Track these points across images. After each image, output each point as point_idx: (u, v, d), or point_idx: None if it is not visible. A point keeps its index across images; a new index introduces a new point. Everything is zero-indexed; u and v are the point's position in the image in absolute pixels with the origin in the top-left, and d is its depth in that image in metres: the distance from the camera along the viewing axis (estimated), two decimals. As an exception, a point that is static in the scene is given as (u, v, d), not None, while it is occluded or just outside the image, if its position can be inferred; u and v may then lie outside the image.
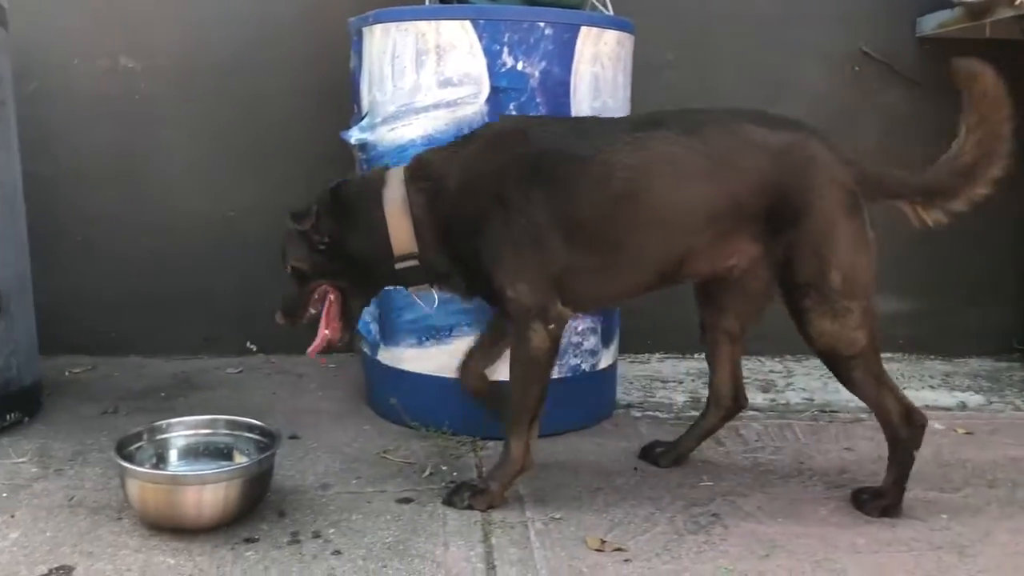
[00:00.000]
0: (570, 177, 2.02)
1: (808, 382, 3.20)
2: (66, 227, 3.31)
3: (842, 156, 2.06)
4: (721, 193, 2.01)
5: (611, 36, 2.51)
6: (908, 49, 3.43)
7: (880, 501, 2.11)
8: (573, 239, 2.02)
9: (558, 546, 1.92)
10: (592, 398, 2.74)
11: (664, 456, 2.39)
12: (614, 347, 2.78)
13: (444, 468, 2.35)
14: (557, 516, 2.06)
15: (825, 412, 2.87)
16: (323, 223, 2.06)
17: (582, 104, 2.47)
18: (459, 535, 1.96)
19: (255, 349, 3.42)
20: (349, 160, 2.71)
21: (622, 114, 2.58)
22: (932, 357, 3.61)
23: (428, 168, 2.09)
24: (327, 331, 2.15)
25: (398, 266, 2.09)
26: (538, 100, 2.42)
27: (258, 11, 3.31)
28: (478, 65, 2.40)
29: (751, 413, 2.82)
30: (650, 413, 2.86)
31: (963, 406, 2.99)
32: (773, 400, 3.00)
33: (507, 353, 2.14)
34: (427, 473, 2.31)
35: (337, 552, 1.87)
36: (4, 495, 2.13)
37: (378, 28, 2.51)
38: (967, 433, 2.70)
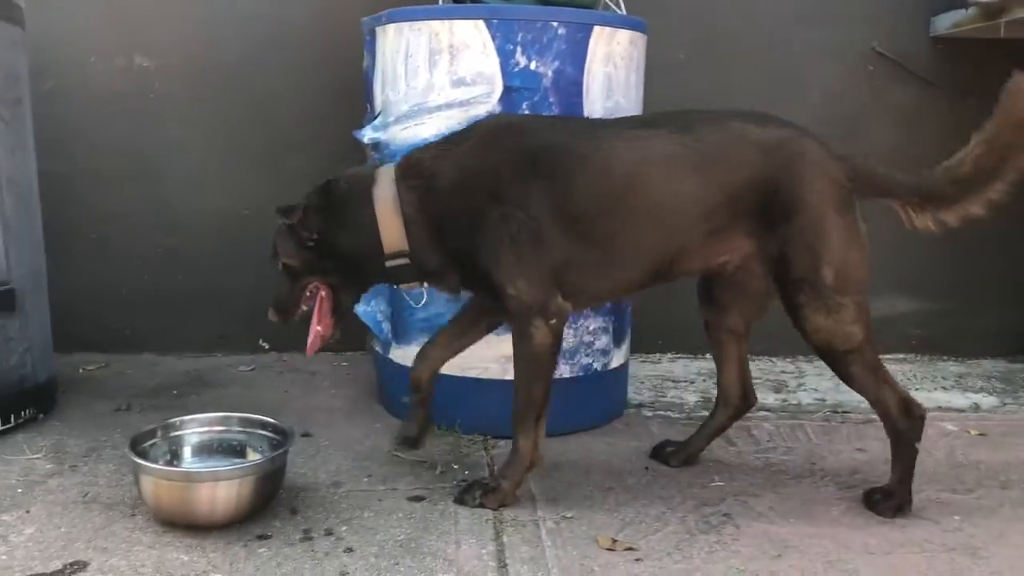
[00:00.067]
0: (568, 171, 2.02)
1: (820, 382, 3.19)
2: (81, 225, 3.33)
3: (833, 152, 2.07)
4: (714, 188, 2.02)
5: (624, 36, 2.51)
6: (922, 49, 3.41)
7: (891, 501, 2.11)
8: (570, 234, 2.02)
9: (569, 545, 1.92)
10: (603, 397, 2.74)
11: (675, 456, 2.39)
12: (626, 347, 2.78)
13: (456, 466, 2.35)
14: (569, 515, 2.07)
15: (837, 413, 2.87)
16: (312, 220, 2.06)
17: (595, 104, 2.47)
18: (471, 533, 1.97)
19: (267, 347, 3.44)
20: (362, 159, 2.71)
21: (635, 114, 2.59)
22: (945, 358, 3.60)
23: (419, 166, 2.09)
24: (319, 327, 2.15)
25: (388, 264, 2.09)
26: (551, 100, 2.42)
27: (272, 11, 3.32)
28: (491, 64, 2.40)
29: (762, 413, 2.82)
30: (661, 413, 2.86)
31: (976, 407, 2.98)
32: (785, 400, 3.00)
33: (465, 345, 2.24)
34: (439, 471, 2.32)
35: (349, 549, 1.88)
36: (19, 491, 2.15)
37: (391, 28, 2.51)
38: (980, 434, 2.69)
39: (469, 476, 2.26)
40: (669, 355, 3.54)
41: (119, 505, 2.08)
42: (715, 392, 2.41)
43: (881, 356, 3.58)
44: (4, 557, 1.82)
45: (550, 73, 2.41)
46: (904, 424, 2.10)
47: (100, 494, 2.14)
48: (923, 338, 3.60)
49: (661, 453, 2.42)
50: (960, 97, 3.27)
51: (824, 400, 2.99)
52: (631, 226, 2.05)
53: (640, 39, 2.60)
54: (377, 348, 2.80)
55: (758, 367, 3.33)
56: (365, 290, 2.25)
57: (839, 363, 2.08)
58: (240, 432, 2.23)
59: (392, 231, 2.06)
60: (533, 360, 2.05)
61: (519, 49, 2.39)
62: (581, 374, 2.60)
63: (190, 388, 3.01)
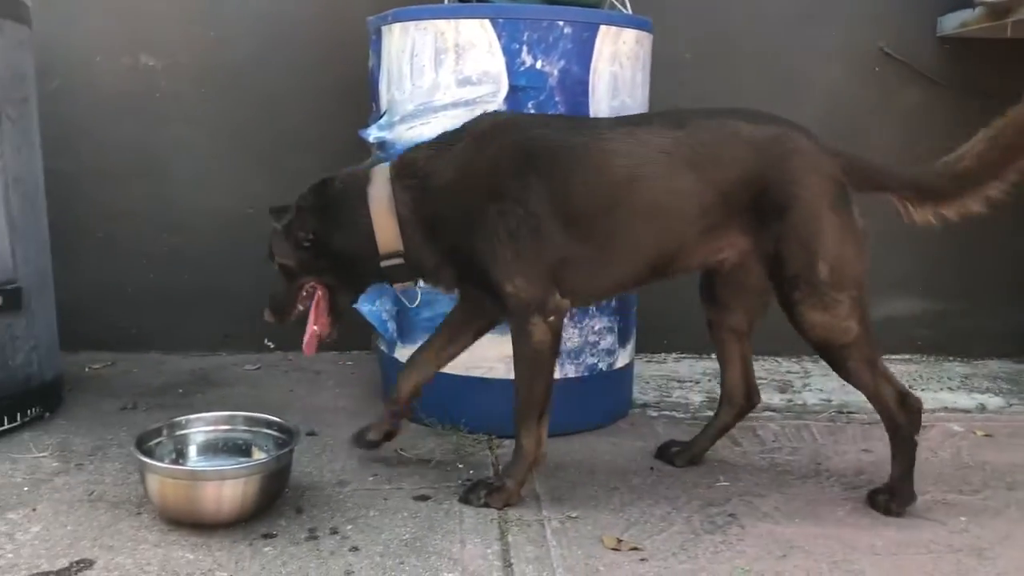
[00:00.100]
0: (565, 166, 2.03)
1: (825, 383, 3.19)
2: (87, 224, 3.34)
3: (826, 147, 2.07)
4: (708, 185, 2.02)
5: (630, 35, 2.51)
6: (929, 49, 3.41)
7: (896, 498, 2.11)
8: (567, 230, 2.02)
9: (575, 544, 1.92)
10: (608, 397, 2.74)
11: (680, 456, 2.39)
12: (631, 347, 2.78)
13: (460, 466, 2.35)
14: (573, 515, 2.07)
15: (843, 413, 2.86)
16: (307, 221, 2.06)
17: (601, 103, 2.47)
18: (476, 533, 1.97)
19: (273, 346, 3.44)
20: (367, 159, 2.71)
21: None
22: (951, 359, 3.59)
23: (414, 166, 2.09)
24: (316, 327, 2.16)
25: (383, 264, 2.09)
26: (557, 99, 2.42)
27: (278, 10, 3.33)
28: (497, 64, 2.40)
29: (768, 414, 2.82)
30: (666, 413, 2.86)
31: (982, 408, 2.97)
32: (790, 401, 2.99)
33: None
34: (440, 468, 2.32)
35: (355, 548, 1.88)
36: (26, 489, 2.16)
37: (397, 27, 2.51)
38: (986, 435, 2.69)
39: (474, 475, 2.27)
40: (674, 355, 3.54)
41: (125, 503, 2.08)
42: (720, 392, 2.41)
43: (887, 357, 3.58)
44: (11, 555, 1.83)
45: (556, 72, 2.41)
46: (902, 418, 2.10)
47: (106, 492, 2.14)
48: (929, 339, 3.59)
49: (666, 453, 2.42)
50: (967, 97, 3.27)
51: (830, 400, 2.99)
52: (628, 223, 2.05)
53: (646, 38, 2.60)
54: (382, 347, 2.80)
55: (763, 367, 3.32)
56: (362, 290, 2.26)
57: (836, 358, 2.08)
58: (246, 431, 2.24)
59: (387, 231, 2.06)
60: (533, 358, 2.06)
61: (525, 48, 2.39)
62: (586, 374, 2.60)
63: (196, 387, 3.02)
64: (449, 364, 2.39)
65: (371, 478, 2.26)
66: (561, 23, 2.40)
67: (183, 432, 2.20)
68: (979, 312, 3.59)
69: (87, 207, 3.32)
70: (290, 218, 2.06)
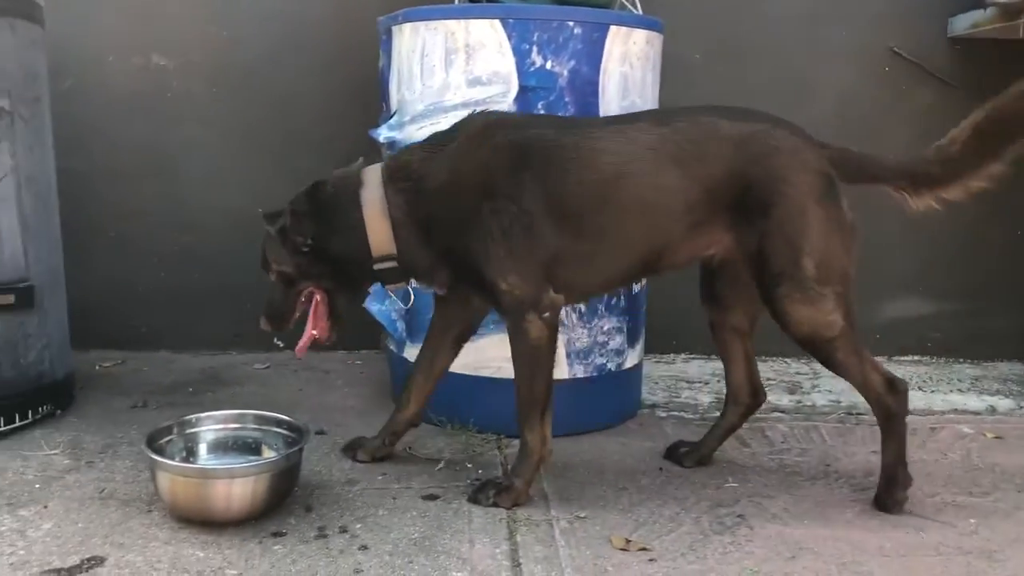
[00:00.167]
0: (556, 164, 2.04)
1: (834, 384, 3.18)
2: (98, 223, 3.36)
3: (812, 141, 2.08)
4: (692, 182, 2.03)
5: (640, 35, 2.51)
6: (940, 49, 3.39)
7: (897, 485, 2.11)
8: (559, 227, 2.04)
9: (583, 544, 1.92)
10: (617, 398, 2.74)
11: (688, 456, 2.39)
12: (640, 347, 2.78)
13: (469, 465, 2.36)
14: (582, 515, 2.07)
15: (851, 415, 2.86)
16: (305, 225, 2.07)
17: (611, 104, 2.47)
18: (484, 532, 1.97)
19: (282, 345, 3.45)
20: (378, 158, 2.72)
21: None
22: (961, 360, 3.58)
23: (407, 168, 2.10)
24: (314, 331, 2.16)
25: (377, 267, 2.10)
26: (567, 99, 2.42)
27: (289, 10, 3.34)
28: (507, 64, 2.40)
29: (777, 415, 2.82)
30: (675, 413, 2.86)
31: (992, 410, 2.96)
32: (799, 402, 2.99)
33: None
34: (449, 468, 2.32)
35: (364, 547, 1.89)
36: (37, 486, 2.17)
37: (407, 27, 2.52)
38: (996, 437, 2.68)
39: (483, 475, 2.27)
40: (683, 356, 3.54)
41: (135, 501, 2.09)
42: (725, 392, 2.41)
43: (896, 358, 3.59)
44: (22, 552, 1.84)
45: (566, 73, 2.42)
46: (892, 400, 2.10)
47: (117, 490, 2.15)
48: (939, 340, 3.58)
49: (675, 454, 2.42)
50: (978, 98, 3.24)
51: (839, 402, 2.98)
52: (617, 219, 2.07)
53: (656, 39, 2.60)
54: (391, 347, 2.81)
55: (772, 368, 3.32)
56: (359, 292, 2.26)
57: (822, 351, 2.08)
58: (255, 429, 2.24)
59: (380, 234, 2.07)
60: (531, 354, 2.07)
61: (535, 48, 2.40)
62: (595, 374, 2.60)
63: (206, 385, 3.03)
64: (459, 365, 2.40)
65: (380, 477, 2.27)
66: (571, 23, 2.40)
67: (193, 430, 2.21)
68: (989, 314, 3.57)
69: (99, 206, 3.34)
70: (285, 223, 2.06)
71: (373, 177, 2.10)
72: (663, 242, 2.09)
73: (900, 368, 3.44)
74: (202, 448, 2.21)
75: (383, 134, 2.58)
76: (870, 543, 1.96)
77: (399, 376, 2.80)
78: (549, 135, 2.06)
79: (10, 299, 2.48)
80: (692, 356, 3.53)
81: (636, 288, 2.66)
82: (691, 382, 3.21)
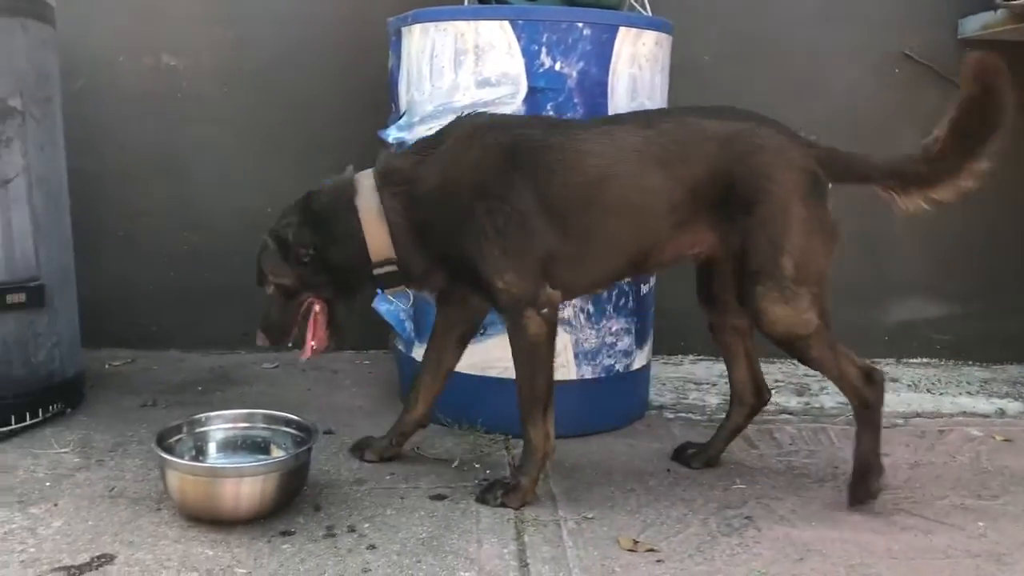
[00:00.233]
0: (545, 163, 2.05)
1: (843, 386, 3.18)
2: (109, 222, 3.37)
3: (799, 140, 2.09)
4: (676, 182, 2.05)
5: (649, 37, 2.51)
6: (950, 51, 3.38)
7: (871, 475, 2.11)
8: (551, 225, 2.05)
9: (591, 545, 1.93)
10: (625, 399, 2.74)
11: (696, 457, 2.39)
12: (648, 348, 2.78)
13: (477, 465, 2.36)
14: (590, 515, 2.07)
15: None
16: (305, 235, 2.07)
17: (619, 105, 2.47)
18: (492, 532, 1.98)
19: (291, 345, 3.45)
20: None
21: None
22: (970, 363, 3.57)
23: (400, 173, 2.11)
24: (313, 342, 2.15)
25: (376, 272, 2.10)
26: (575, 100, 2.43)
27: (299, 10, 3.35)
28: (516, 65, 2.41)
29: (784, 416, 2.82)
30: (683, 415, 2.85)
31: (1001, 413, 2.96)
32: (807, 404, 2.98)
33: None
34: (455, 464, 2.33)
35: (372, 547, 1.89)
36: (47, 484, 2.18)
37: (417, 28, 2.53)
38: (1006, 440, 2.67)
39: (490, 475, 2.27)
40: (691, 357, 3.54)
41: (145, 499, 2.10)
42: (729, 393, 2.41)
43: (906, 360, 3.58)
44: (33, 549, 1.85)
45: (575, 74, 2.42)
46: (869, 392, 2.11)
47: (126, 488, 2.16)
48: (948, 343, 3.57)
49: (682, 455, 2.42)
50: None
51: (847, 404, 2.95)
52: (603, 219, 2.08)
53: (665, 40, 2.60)
54: (400, 347, 2.81)
55: (781, 370, 3.31)
56: (356, 300, 2.25)
57: (797, 349, 2.09)
58: (264, 429, 2.25)
59: (378, 239, 2.08)
60: (530, 351, 2.08)
61: (544, 50, 2.40)
62: (603, 375, 2.60)
63: (215, 385, 3.04)
64: (466, 365, 2.41)
65: (388, 477, 2.27)
66: (580, 25, 2.40)
67: (203, 429, 2.22)
68: (998, 316, 3.56)
69: (109, 206, 3.35)
70: (286, 234, 2.06)
71: (366, 183, 2.11)
72: (649, 242, 2.11)
73: (909, 370, 3.44)
74: (211, 447, 2.22)
75: (392, 135, 2.59)
76: (878, 545, 1.96)
77: (407, 376, 2.80)
78: (536, 136, 2.08)
79: (21, 298, 2.49)
80: (700, 357, 3.52)
81: (644, 289, 2.66)
82: (699, 383, 3.21)
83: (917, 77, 3.39)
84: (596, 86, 2.44)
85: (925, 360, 3.57)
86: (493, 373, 2.51)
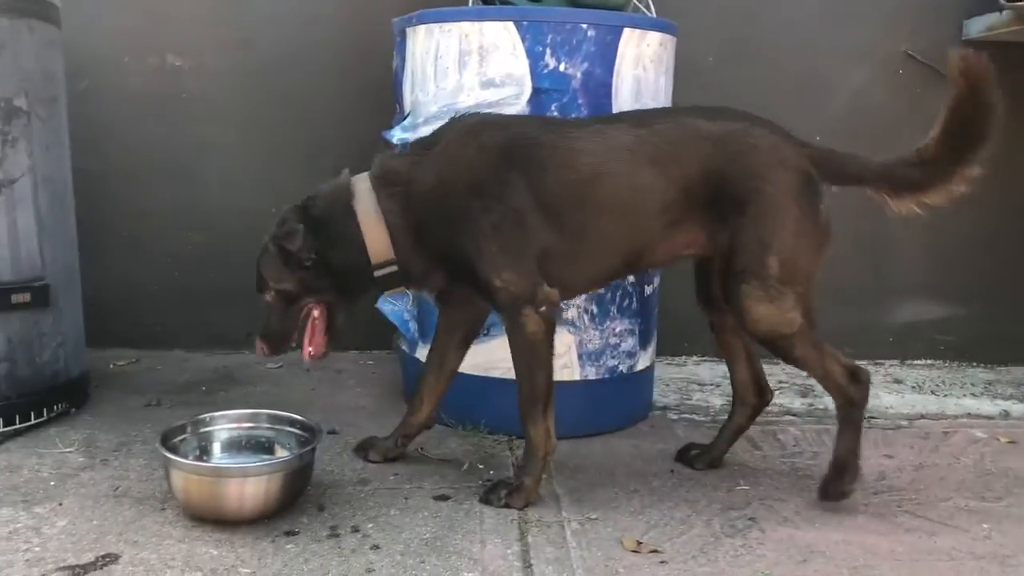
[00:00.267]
0: (538, 160, 2.06)
1: (847, 387, 3.17)
2: (113, 222, 3.38)
3: (792, 140, 2.09)
4: (668, 181, 2.06)
5: (654, 38, 2.51)
6: (954, 52, 3.38)
7: (847, 474, 2.12)
8: (546, 224, 2.05)
9: (594, 546, 1.93)
10: (629, 400, 2.74)
11: (699, 459, 2.39)
12: (652, 349, 2.78)
13: (481, 466, 2.36)
14: (593, 516, 2.07)
15: (864, 418, 2.84)
16: (307, 239, 2.07)
17: (623, 106, 2.47)
18: (496, 533, 1.98)
19: (295, 345, 3.46)
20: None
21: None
22: (974, 364, 3.56)
23: (396, 174, 2.11)
24: (311, 348, 2.14)
25: (377, 273, 2.11)
26: (580, 101, 2.43)
27: (303, 11, 3.35)
28: (520, 66, 2.41)
29: (789, 418, 2.82)
30: (687, 416, 2.85)
31: (1006, 415, 2.95)
32: (811, 405, 2.98)
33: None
34: (464, 467, 2.33)
35: (376, 547, 1.90)
36: (52, 484, 2.19)
37: (422, 29, 2.53)
38: (1010, 442, 2.66)
39: (494, 476, 2.28)
40: (695, 358, 3.54)
41: (149, 499, 2.10)
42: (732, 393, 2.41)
43: (909, 362, 3.58)
44: (38, 549, 1.85)
45: (579, 75, 2.42)
46: (854, 390, 2.12)
47: (131, 488, 2.17)
48: (952, 344, 3.57)
49: (686, 456, 2.42)
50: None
51: (851, 405, 2.97)
52: (596, 217, 2.09)
53: (670, 41, 2.60)
54: (404, 347, 2.82)
55: (784, 371, 3.30)
56: (356, 303, 2.25)
57: (781, 348, 2.10)
58: (269, 429, 2.26)
59: (378, 241, 2.08)
60: (529, 349, 2.08)
61: (548, 51, 2.40)
62: (607, 376, 2.60)
63: (219, 385, 3.04)
64: (470, 366, 2.41)
65: (392, 477, 2.28)
66: (585, 26, 2.40)
67: (207, 429, 2.23)
68: (1003, 317, 3.56)
69: (113, 206, 3.36)
70: (289, 238, 2.04)
71: (363, 186, 2.11)
72: (642, 240, 2.12)
73: (913, 372, 3.43)
74: (216, 447, 2.23)
75: (397, 135, 2.59)
76: (882, 547, 1.95)
77: (411, 376, 2.81)
78: (531, 134, 2.09)
79: (26, 298, 2.50)
80: (704, 358, 3.52)
81: (648, 290, 2.66)
82: (702, 384, 3.21)
83: (921, 78, 3.38)
84: (600, 87, 2.44)
85: (929, 361, 3.57)
86: (497, 374, 2.51)
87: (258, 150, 3.41)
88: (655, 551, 1.91)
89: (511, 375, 2.48)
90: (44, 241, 2.55)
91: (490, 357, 2.48)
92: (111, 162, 3.34)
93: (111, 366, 3.21)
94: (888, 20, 3.39)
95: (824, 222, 2.08)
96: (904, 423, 2.82)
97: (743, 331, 2.11)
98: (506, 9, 2.52)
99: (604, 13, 2.51)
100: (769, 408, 2.42)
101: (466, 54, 2.44)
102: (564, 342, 2.53)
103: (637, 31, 2.47)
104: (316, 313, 2.13)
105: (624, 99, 2.47)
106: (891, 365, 3.50)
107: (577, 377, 2.56)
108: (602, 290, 2.52)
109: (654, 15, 2.76)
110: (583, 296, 2.50)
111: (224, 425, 2.25)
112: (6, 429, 2.48)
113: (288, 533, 1.95)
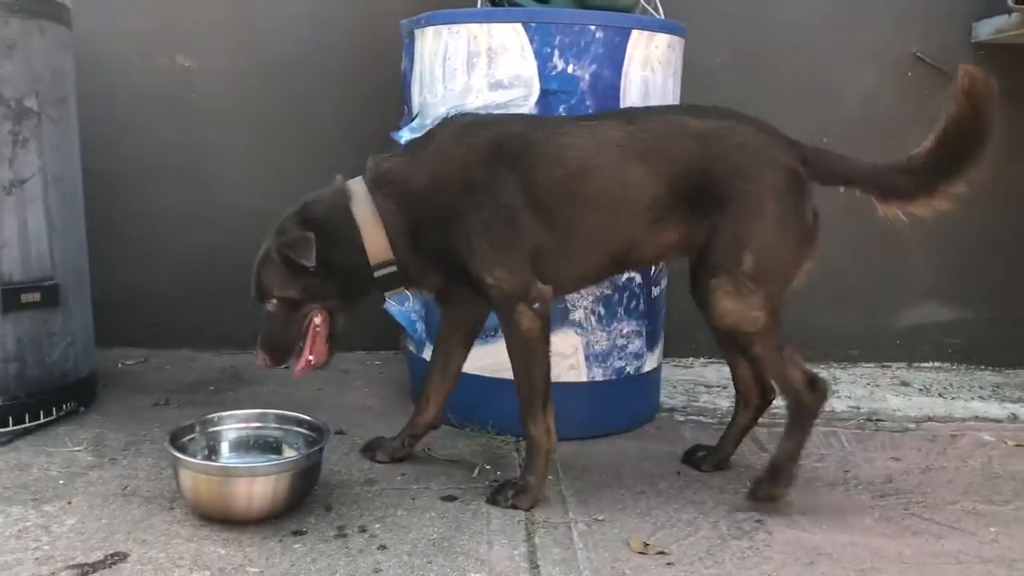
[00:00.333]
0: (528, 157, 2.07)
1: (854, 390, 3.17)
2: (122, 222, 3.39)
3: (782, 139, 2.10)
4: (655, 178, 2.07)
5: (662, 39, 2.51)
6: (963, 54, 3.36)
7: (778, 478, 2.12)
8: (537, 220, 2.06)
9: (601, 547, 1.93)
10: (636, 401, 2.74)
11: (706, 460, 2.39)
12: (659, 351, 2.78)
13: (488, 467, 2.37)
14: (600, 518, 2.07)
15: (871, 421, 2.84)
16: (310, 243, 2.06)
17: (632, 108, 2.47)
18: (503, 534, 1.98)
19: (302, 345, 3.46)
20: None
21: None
22: (982, 367, 3.55)
23: (390, 174, 2.11)
24: (311, 356, 2.13)
25: (377, 274, 2.11)
26: (588, 103, 2.43)
27: (313, 12, 3.36)
28: (529, 68, 2.41)
29: (796, 420, 2.81)
30: (693, 417, 2.85)
31: (1014, 418, 2.94)
32: (818, 407, 2.97)
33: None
34: (476, 473, 2.33)
35: (383, 547, 1.90)
36: (61, 482, 2.20)
37: (430, 30, 2.53)
38: (1018, 445, 2.66)
39: (501, 476, 2.28)
40: (702, 360, 3.53)
41: (158, 498, 2.11)
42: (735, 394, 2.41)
43: (917, 365, 3.57)
44: (47, 547, 1.86)
45: (587, 77, 2.42)
46: (810, 398, 2.11)
47: (139, 487, 2.18)
48: (960, 347, 3.56)
49: (693, 457, 2.42)
50: (1001, 104, 3.23)
51: (858, 408, 2.97)
52: (584, 213, 2.10)
53: (678, 43, 2.60)
54: (411, 348, 2.82)
55: (791, 373, 3.30)
56: (355, 307, 2.24)
57: (742, 344, 2.11)
58: (276, 429, 2.26)
59: (376, 242, 2.08)
60: (525, 346, 2.09)
61: (557, 52, 2.40)
62: (614, 377, 2.60)
63: (227, 384, 3.05)
64: (476, 367, 2.41)
65: (399, 477, 2.28)
66: (593, 27, 2.41)
67: (215, 429, 2.23)
68: (1011, 320, 3.55)
69: (122, 206, 3.37)
70: (292, 244, 2.02)
71: (359, 188, 2.11)
72: (629, 236, 2.13)
73: (920, 374, 3.42)
74: (224, 446, 2.23)
75: (405, 136, 2.60)
76: (889, 550, 1.95)
77: (418, 377, 2.81)
78: (520, 131, 2.11)
79: (36, 297, 2.51)
80: (710, 360, 3.52)
81: (655, 292, 2.66)
82: (709, 386, 3.20)
83: (930, 80, 3.38)
84: (608, 89, 2.44)
85: (937, 364, 3.56)
86: (504, 375, 2.50)
87: (267, 151, 3.42)
88: (662, 552, 1.91)
89: (519, 376, 2.50)
90: (54, 241, 2.56)
91: (497, 358, 2.48)
92: (120, 163, 3.35)
93: (119, 365, 3.22)
94: (897, 22, 3.38)
95: (809, 222, 2.08)
96: (911, 426, 2.81)
97: (709, 325, 2.12)
98: (514, 11, 2.53)
99: (612, 15, 2.52)
100: (775, 411, 2.42)
101: (474, 56, 2.45)
102: (571, 343, 2.53)
103: (645, 33, 2.47)
104: (318, 320, 2.12)
105: (632, 101, 2.47)
106: (898, 367, 3.50)
107: (584, 378, 2.56)
108: (604, 291, 2.52)
109: (662, 17, 2.76)
110: (590, 297, 2.51)
111: (232, 425, 2.25)
112: (15, 428, 2.49)
113: (296, 533, 1.96)
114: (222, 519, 1.98)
